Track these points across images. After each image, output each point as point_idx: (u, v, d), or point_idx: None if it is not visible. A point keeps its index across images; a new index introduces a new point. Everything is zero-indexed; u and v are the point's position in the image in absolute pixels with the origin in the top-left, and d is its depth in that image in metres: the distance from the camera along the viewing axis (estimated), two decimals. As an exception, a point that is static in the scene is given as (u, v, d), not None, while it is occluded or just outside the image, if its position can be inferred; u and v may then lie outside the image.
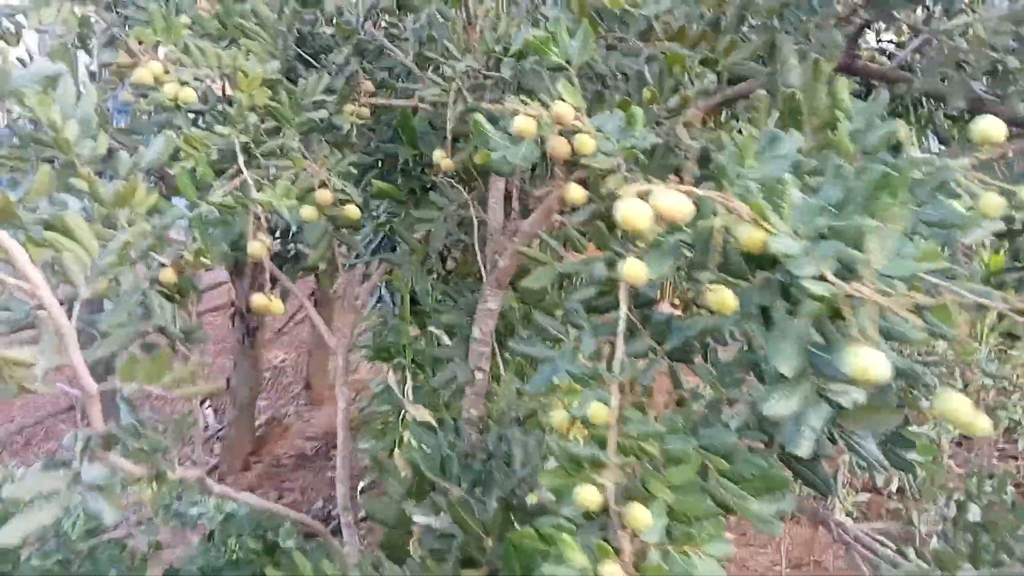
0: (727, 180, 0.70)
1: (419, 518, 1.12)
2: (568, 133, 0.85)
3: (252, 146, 1.29)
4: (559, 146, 0.83)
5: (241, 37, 1.50)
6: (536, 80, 1.19)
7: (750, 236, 0.61)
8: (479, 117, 0.92)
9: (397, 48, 1.71)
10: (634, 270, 0.65)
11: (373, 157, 1.81)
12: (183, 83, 1.25)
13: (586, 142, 0.83)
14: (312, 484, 4.10)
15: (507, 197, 1.86)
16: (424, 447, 1.23)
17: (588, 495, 0.71)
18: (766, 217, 0.59)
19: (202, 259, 1.08)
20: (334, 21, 1.70)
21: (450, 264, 2.29)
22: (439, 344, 2.34)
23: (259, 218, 1.10)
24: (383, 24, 1.73)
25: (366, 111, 1.59)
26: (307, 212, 1.17)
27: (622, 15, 1.04)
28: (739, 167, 0.70)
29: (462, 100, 1.39)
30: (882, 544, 1.35)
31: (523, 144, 0.88)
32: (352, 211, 1.27)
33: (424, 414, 2.22)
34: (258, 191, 1.13)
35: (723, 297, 0.67)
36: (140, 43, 1.31)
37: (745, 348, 0.82)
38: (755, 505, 0.86)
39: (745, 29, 1.11)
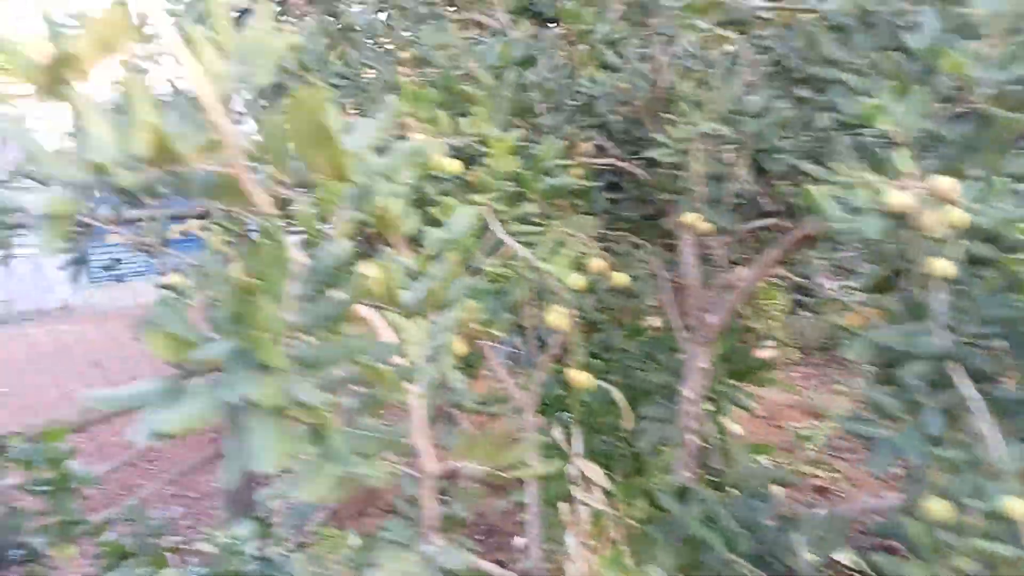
0: None
1: (709, 596, 1.08)
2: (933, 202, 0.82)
3: (504, 213, 1.30)
4: (937, 220, 0.80)
5: (458, 104, 1.53)
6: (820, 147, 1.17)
7: None
8: (814, 189, 0.90)
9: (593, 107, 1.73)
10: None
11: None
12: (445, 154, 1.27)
13: (959, 215, 0.81)
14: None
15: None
16: (689, 514, 1.20)
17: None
18: None
19: (490, 329, 1.08)
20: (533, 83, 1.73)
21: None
22: (609, 401, 2.31)
23: (552, 288, 1.11)
24: (582, 83, 1.74)
25: (581, 171, 1.60)
26: (575, 280, 1.17)
27: (923, 77, 1.02)
28: None
29: (700, 161, 1.38)
30: None
31: (876, 217, 0.85)
32: (620, 278, 1.26)
33: (597, 472, 2.18)
34: (536, 261, 1.13)
35: None
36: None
37: None
38: None
39: None
